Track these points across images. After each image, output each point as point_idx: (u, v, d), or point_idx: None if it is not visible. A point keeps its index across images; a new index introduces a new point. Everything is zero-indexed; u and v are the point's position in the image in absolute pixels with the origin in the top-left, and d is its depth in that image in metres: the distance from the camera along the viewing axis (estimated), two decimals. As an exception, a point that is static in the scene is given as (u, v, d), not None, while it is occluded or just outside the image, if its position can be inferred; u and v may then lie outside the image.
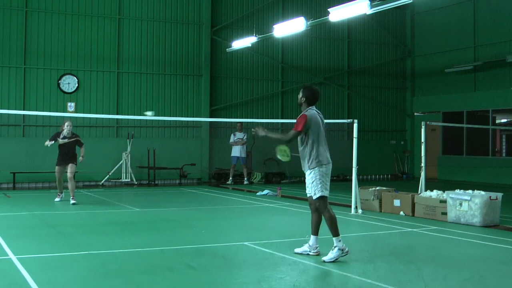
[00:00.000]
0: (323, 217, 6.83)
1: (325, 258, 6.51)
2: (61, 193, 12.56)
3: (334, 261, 6.46)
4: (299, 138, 6.86)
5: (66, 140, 12.07)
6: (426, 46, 22.82)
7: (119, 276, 5.82)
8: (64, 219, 10.07)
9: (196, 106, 19.29)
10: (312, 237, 6.89)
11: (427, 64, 22.78)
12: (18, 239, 7.85)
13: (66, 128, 12.12)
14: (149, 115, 8.61)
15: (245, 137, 18.22)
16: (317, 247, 6.85)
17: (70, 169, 12.05)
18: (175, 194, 15.25)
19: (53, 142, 12.11)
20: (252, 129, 7.15)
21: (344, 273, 5.95)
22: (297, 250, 6.99)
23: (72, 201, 11.90)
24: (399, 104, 23.46)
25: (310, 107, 6.90)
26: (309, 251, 6.87)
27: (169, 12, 19.07)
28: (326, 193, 6.73)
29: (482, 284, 5.74)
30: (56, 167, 12.36)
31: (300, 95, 6.96)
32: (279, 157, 6.99)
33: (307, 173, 6.82)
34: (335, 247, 6.54)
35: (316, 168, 6.74)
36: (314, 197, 6.74)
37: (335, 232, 6.59)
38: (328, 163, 6.81)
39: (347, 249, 6.57)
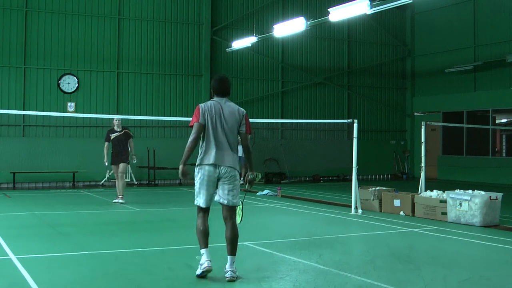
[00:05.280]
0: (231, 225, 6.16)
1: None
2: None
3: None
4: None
5: (117, 134, 12.40)
6: (426, 46, 22.81)
7: (119, 276, 5.82)
8: (64, 219, 10.06)
9: (196, 106, 19.27)
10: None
11: (427, 64, 22.77)
12: (18, 239, 7.85)
13: (116, 123, 12.53)
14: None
15: None
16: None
17: (121, 168, 12.33)
18: (175, 194, 15.24)
19: (108, 143, 12.38)
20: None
21: (344, 273, 5.95)
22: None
23: (119, 200, 12.31)
24: (399, 104, 23.45)
25: (214, 98, 6.08)
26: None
27: (169, 12, 19.06)
28: (198, 201, 6.01)
29: (482, 284, 5.73)
30: (112, 166, 12.66)
31: None
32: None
33: None
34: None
35: (197, 167, 5.98)
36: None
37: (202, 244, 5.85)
38: (210, 164, 5.87)
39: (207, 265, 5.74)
